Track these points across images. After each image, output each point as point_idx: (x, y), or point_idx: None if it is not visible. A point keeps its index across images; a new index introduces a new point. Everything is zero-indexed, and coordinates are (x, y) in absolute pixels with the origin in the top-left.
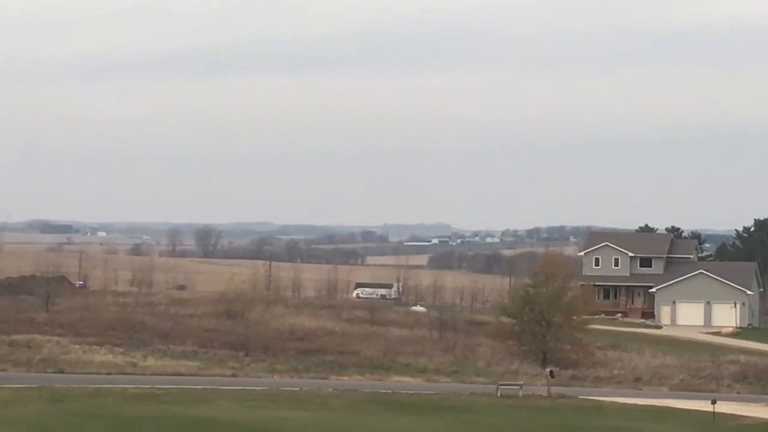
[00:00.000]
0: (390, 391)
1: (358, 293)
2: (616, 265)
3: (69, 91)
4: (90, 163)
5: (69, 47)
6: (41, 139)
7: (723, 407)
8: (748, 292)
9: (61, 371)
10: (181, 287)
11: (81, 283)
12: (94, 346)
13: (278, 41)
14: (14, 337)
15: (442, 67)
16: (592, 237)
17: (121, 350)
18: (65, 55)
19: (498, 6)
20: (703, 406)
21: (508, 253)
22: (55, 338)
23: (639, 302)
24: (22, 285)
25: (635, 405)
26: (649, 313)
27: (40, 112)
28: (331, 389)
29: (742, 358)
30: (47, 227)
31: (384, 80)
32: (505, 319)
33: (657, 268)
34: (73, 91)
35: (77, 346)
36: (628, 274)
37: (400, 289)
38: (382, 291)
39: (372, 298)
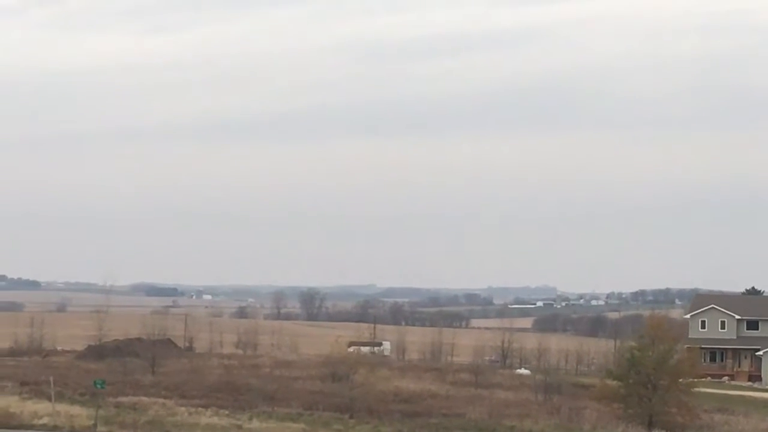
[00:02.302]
0: None
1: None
2: (723, 327)
3: (174, 152)
4: (194, 226)
5: (180, 108)
6: (147, 203)
7: None
8: None
9: None
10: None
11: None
12: (200, 408)
13: (393, 102)
14: (121, 399)
15: (545, 128)
16: (698, 299)
17: (227, 412)
18: (170, 116)
19: (607, 67)
20: None
21: (613, 315)
22: (161, 400)
23: (746, 365)
24: (129, 347)
25: None
26: (756, 376)
27: (144, 176)
28: None
29: None
30: (153, 290)
31: (484, 142)
32: (610, 382)
33: (764, 330)
34: (179, 153)
35: (183, 408)
36: (734, 337)
37: (392, 347)
38: (374, 348)
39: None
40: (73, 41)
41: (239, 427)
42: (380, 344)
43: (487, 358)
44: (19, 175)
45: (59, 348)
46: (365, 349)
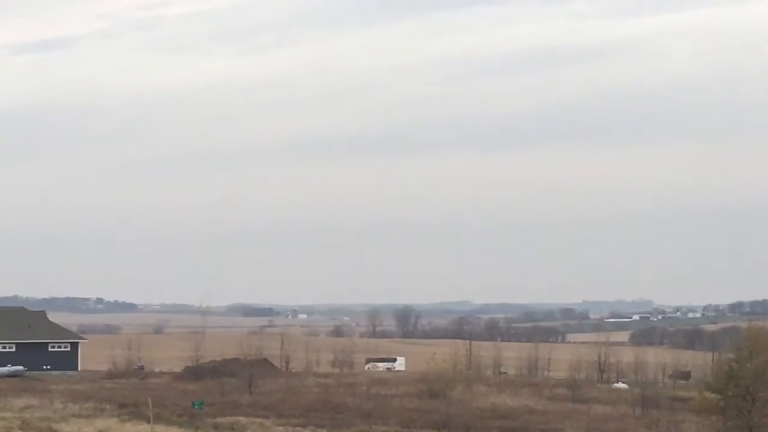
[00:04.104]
0: None
1: (368, 367)
2: None
3: (268, 172)
4: (289, 246)
5: (272, 127)
6: (241, 224)
7: None
8: None
9: None
10: (140, 367)
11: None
12: (297, 428)
13: (470, 117)
14: (219, 419)
15: (635, 139)
16: None
17: (324, 431)
18: (259, 136)
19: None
20: None
21: (710, 328)
22: (259, 420)
23: None
24: (226, 368)
25: None
26: None
27: (238, 197)
28: None
29: None
30: (249, 311)
31: (573, 154)
32: (708, 395)
33: None
34: (273, 173)
35: (281, 428)
36: None
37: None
38: (388, 365)
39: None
40: (166, 64)
41: None
42: (395, 360)
43: (385, 367)
44: (114, 199)
45: (157, 369)
46: (379, 365)
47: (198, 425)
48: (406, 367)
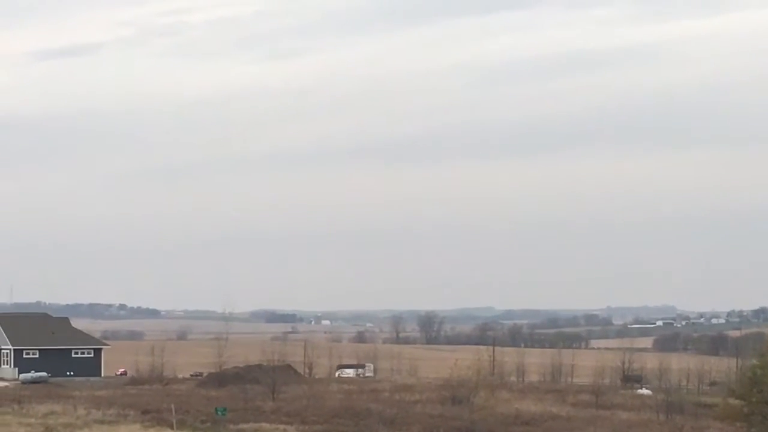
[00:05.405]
0: None
1: (339, 374)
2: None
3: (289, 178)
4: (313, 252)
5: (296, 133)
6: (263, 230)
7: None
8: None
9: None
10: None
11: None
12: None
13: (494, 122)
14: (242, 425)
15: (658, 143)
16: None
17: None
18: (285, 141)
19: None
20: None
21: (734, 334)
22: (282, 426)
23: None
24: (249, 374)
25: None
26: None
27: (259, 203)
28: None
29: None
30: (272, 317)
31: (600, 159)
32: (733, 401)
33: None
34: (294, 179)
35: None
36: None
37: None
38: (358, 371)
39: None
40: (190, 70)
41: None
42: (363, 366)
43: (355, 374)
44: (135, 206)
45: (180, 375)
46: (349, 371)
47: (221, 431)
48: (426, 372)
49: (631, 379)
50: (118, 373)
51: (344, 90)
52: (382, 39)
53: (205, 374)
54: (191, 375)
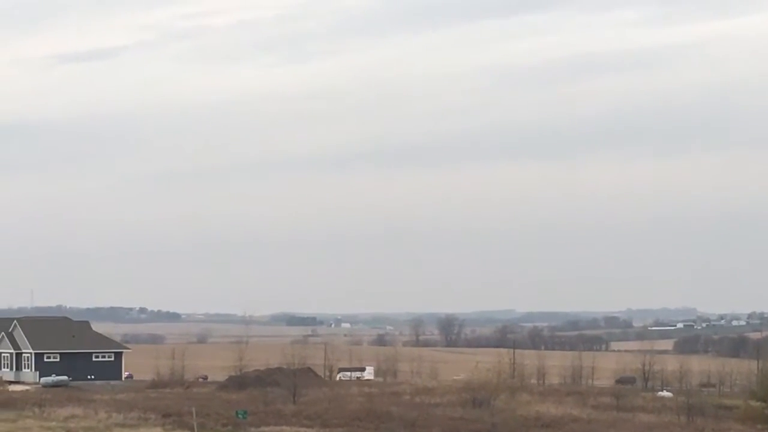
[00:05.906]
0: None
1: (340, 377)
2: None
3: (309, 182)
4: (333, 255)
5: (311, 137)
6: (284, 233)
7: None
8: None
9: None
10: (204, 377)
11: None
12: None
13: (515, 125)
14: (263, 428)
15: (675, 147)
16: None
17: None
18: (305, 146)
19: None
20: None
21: (755, 335)
22: (303, 429)
23: None
24: (270, 377)
25: None
26: None
27: (281, 207)
28: None
29: None
30: (292, 320)
31: (619, 161)
32: (754, 403)
33: None
34: (315, 183)
35: None
36: None
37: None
38: (357, 374)
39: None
40: (210, 74)
41: None
42: (363, 369)
43: (355, 376)
44: (157, 209)
45: (201, 378)
46: (350, 374)
47: None
48: (447, 375)
49: (625, 380)
50: (124, 376)
51: (364, 93)
52: (400, 42)
53: (208, 378)
54: (196, 379)
